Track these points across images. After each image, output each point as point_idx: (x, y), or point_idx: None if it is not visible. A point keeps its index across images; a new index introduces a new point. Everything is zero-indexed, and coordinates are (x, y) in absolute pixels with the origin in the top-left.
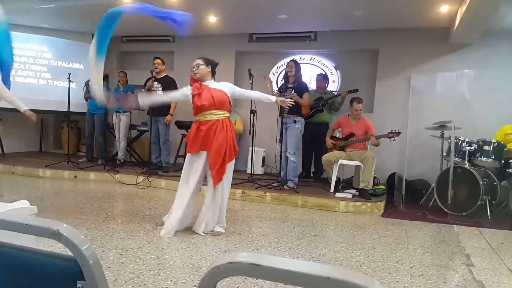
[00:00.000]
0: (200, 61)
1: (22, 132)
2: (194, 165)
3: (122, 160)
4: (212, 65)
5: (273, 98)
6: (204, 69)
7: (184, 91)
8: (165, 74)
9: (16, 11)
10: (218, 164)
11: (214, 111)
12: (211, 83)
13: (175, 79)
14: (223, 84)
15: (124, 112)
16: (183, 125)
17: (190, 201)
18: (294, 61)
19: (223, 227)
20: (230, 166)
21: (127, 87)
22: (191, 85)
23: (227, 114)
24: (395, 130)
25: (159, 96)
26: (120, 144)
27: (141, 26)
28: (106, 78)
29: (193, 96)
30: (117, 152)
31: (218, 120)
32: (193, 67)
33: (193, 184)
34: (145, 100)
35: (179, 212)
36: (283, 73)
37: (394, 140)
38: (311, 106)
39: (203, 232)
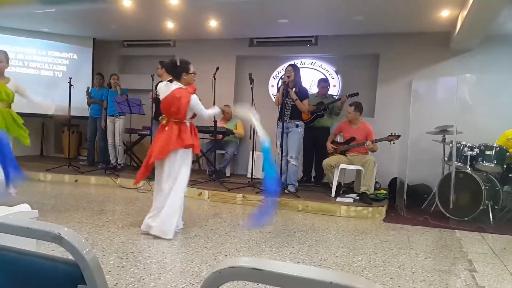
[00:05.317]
0: None
1: None
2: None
3: (122, 165)
4: None
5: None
6: None
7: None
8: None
9: (17, 15)
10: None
11: None
12: None
13: None
14: None
15: (120, 115)
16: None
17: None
18: (292, 65)
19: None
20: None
21: (123, 90)
22: (194, 93)
23: None
24: (394, 133)
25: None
26: (119, 149)
27: (142, 30)
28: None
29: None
30: (112, 158)
31: None
32: (194, 73)
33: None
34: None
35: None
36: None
37: (394, 143)
38: (312, 111)
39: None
